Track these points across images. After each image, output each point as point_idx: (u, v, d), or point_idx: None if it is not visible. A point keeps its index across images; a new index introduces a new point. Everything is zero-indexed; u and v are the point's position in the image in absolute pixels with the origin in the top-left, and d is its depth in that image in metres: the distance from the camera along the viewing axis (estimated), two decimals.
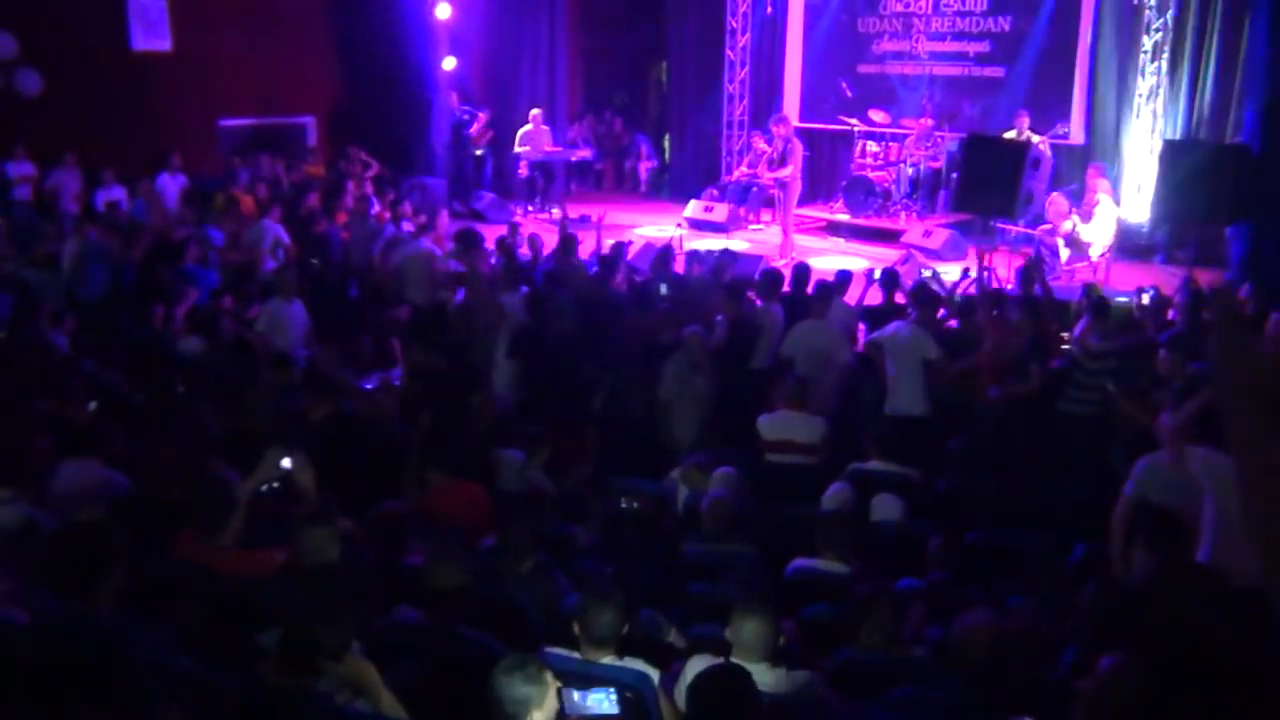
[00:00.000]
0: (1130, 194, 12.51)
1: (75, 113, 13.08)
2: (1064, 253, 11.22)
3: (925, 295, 7.93)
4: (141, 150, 13.42)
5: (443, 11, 15.51)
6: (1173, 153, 9.76)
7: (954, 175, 13.39)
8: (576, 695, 3.06)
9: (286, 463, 4.57)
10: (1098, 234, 11.20)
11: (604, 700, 3.08)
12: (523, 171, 15.44)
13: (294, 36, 15.32)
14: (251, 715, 2.87)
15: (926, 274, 9.90)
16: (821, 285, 8.26)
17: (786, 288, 8.59)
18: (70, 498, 4.77)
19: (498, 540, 4.60)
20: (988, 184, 10.06)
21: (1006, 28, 13.87)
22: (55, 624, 3.16)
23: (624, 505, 5.76)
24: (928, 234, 12.77)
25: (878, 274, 9.13)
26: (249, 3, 14.67)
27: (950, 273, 10.33)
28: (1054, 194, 11.75)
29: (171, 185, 13.06)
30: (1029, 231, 11.74)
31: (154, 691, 2.45)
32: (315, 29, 15.65)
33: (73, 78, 13.14)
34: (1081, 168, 12.53)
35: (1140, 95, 12.49)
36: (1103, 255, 11.35)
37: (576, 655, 3.52)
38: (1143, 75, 12.44)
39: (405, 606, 3.83)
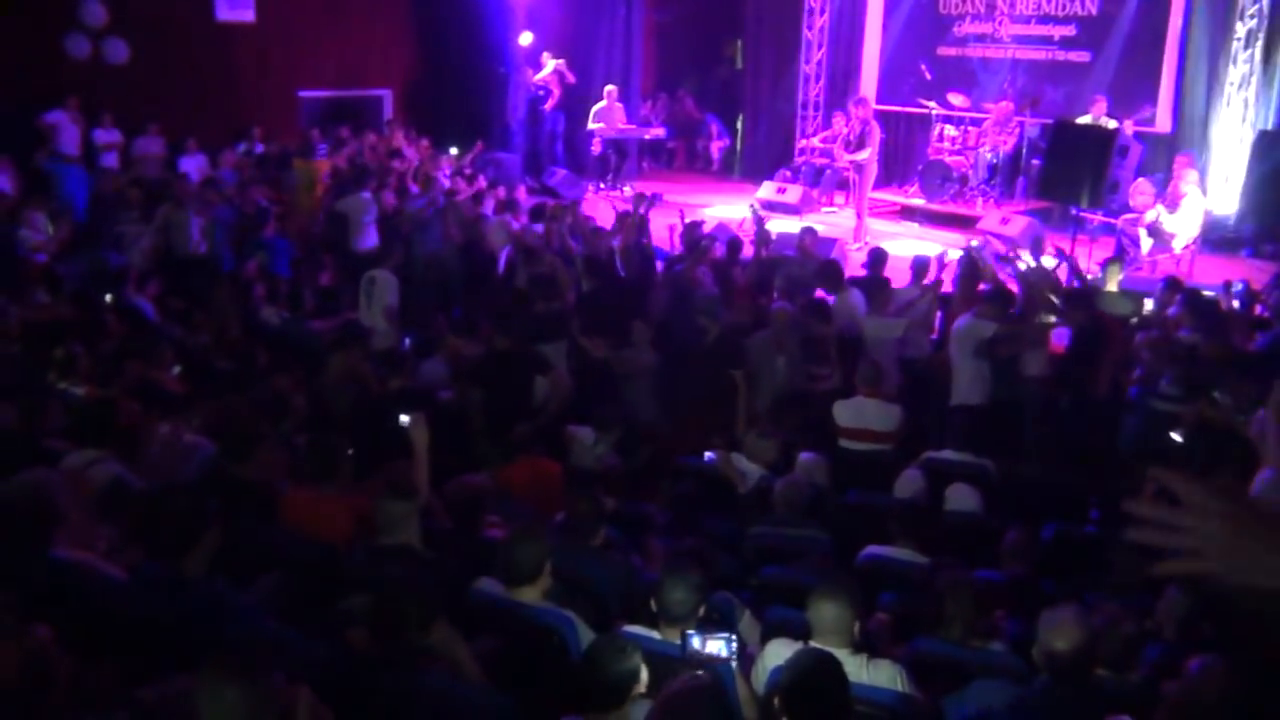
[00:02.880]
0: (1217, 184, 12.18)
1: (160, 81, 13.33)
2: (1146, 243, 10.98)
3: (994, 290, 7.80)
4: (223, 120, 13.67)
5: None
6: (1265, 143, 9.52)
7: (1034, 162, 13.18)
8: (695, 640, 3.19)
9: (405, 419, 4.65)
10: (1183, 225, 10.93)
11: (722, 646, 3.20)
12: (596, 148, 15.45)
13: (372, 9, 15.50)
14: (343, 682, 2.93)
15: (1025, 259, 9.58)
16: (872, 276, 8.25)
17: (862, 271, 8.53)
18: (158, 461, 4.90)
19: (568, 516, 4.63)
20: (1073, 171, 9.88)
21: (1094, 11, 13.55)
22: (154, 584, 3.25)
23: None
24: (1005, 221, 12.54)
25: (950, 256, 9.00)
26: None
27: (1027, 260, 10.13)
28: (1139, 180, 11.49)
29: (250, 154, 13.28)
30: (1111, 220, 11.50)
31: (256, 656, 2.50)
32: (393, 2, 15.79)
33: (158, 47, 13.39)
34: (1167, 156, 12.23)
35: (1231, 83, 12.15)
36: (1187, 247, 11.07)
37: (655, 634, 3.54)
38: (1235, 63, 12.10)
39: (486, 579, 3.87)
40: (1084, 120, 11.97)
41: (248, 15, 14.44)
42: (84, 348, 6.25)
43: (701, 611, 3.52)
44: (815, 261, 8.83)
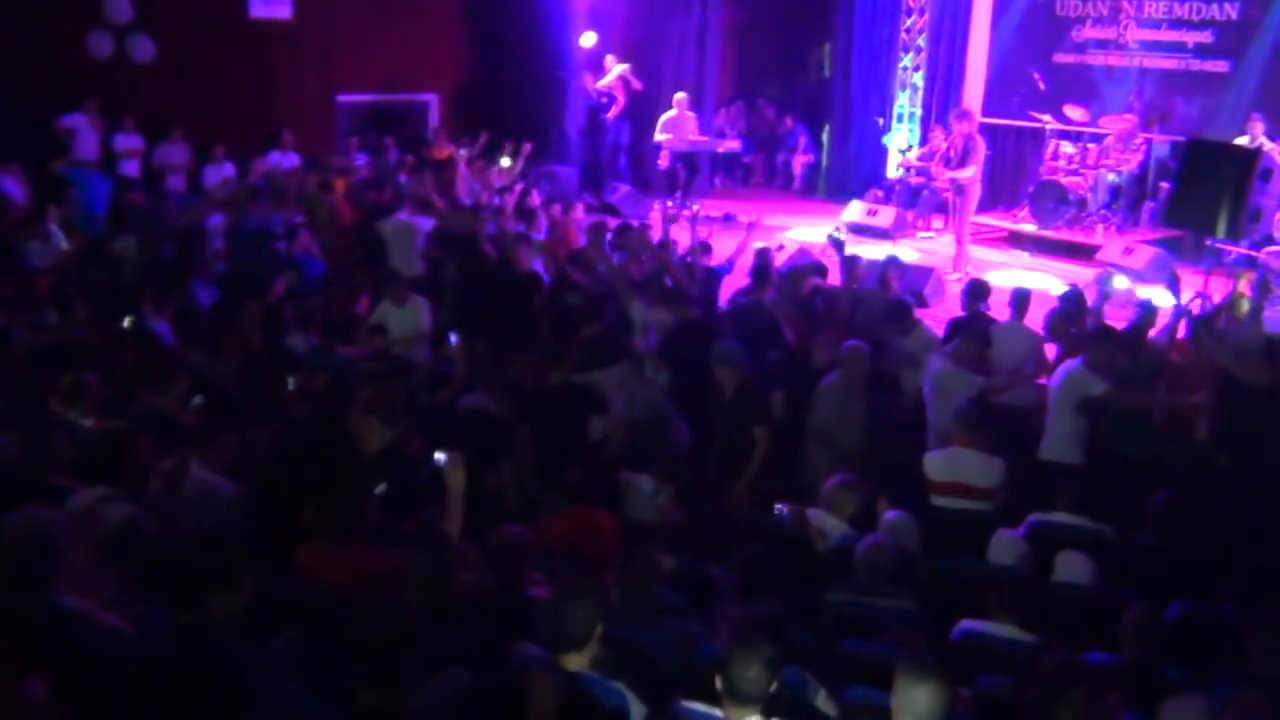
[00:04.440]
0: None
1: (187, 82, 13.69)
2: None
3: (1100, 332, 7.67)
4: (255, 125, 13.97)
5: None
6: None
7: (1163, 185, 13.01)
8: None
9: (441, 457, 4.70)
10: None
11: None
12: (663, 162, 15.54)
13: (420, 7, 15.78)
14: None
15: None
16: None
17: (961, 310, 8.49)
18: (172, 501, 4.99)
19: (622, 576, 4.63)
20: (1206, 195, 9.74)
21: (1234, 15, 13.40)
22: (162, 637, 3.30)
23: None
24: (1128, 251, 12.36)
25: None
26: None
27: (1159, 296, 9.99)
28: None
29: (283, 164, 13.56)
30: (1252, 254, 11.29)
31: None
32: (444, 1, 16.07)
33: (187, 45, 13.76)
34: None
35: None
36: None
37: (718, 713, 3.52)
38: None
39: (528, 644, 3.88)
40: (1240, 141, 11.80)
41: (284, 12, 14.79)
42: (95, 375, 6.38)
43: (773, 689, 3.49)
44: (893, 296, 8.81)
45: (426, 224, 10.55)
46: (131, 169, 13.21)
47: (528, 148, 13.75)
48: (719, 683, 3.49)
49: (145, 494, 5.05)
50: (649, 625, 4.31)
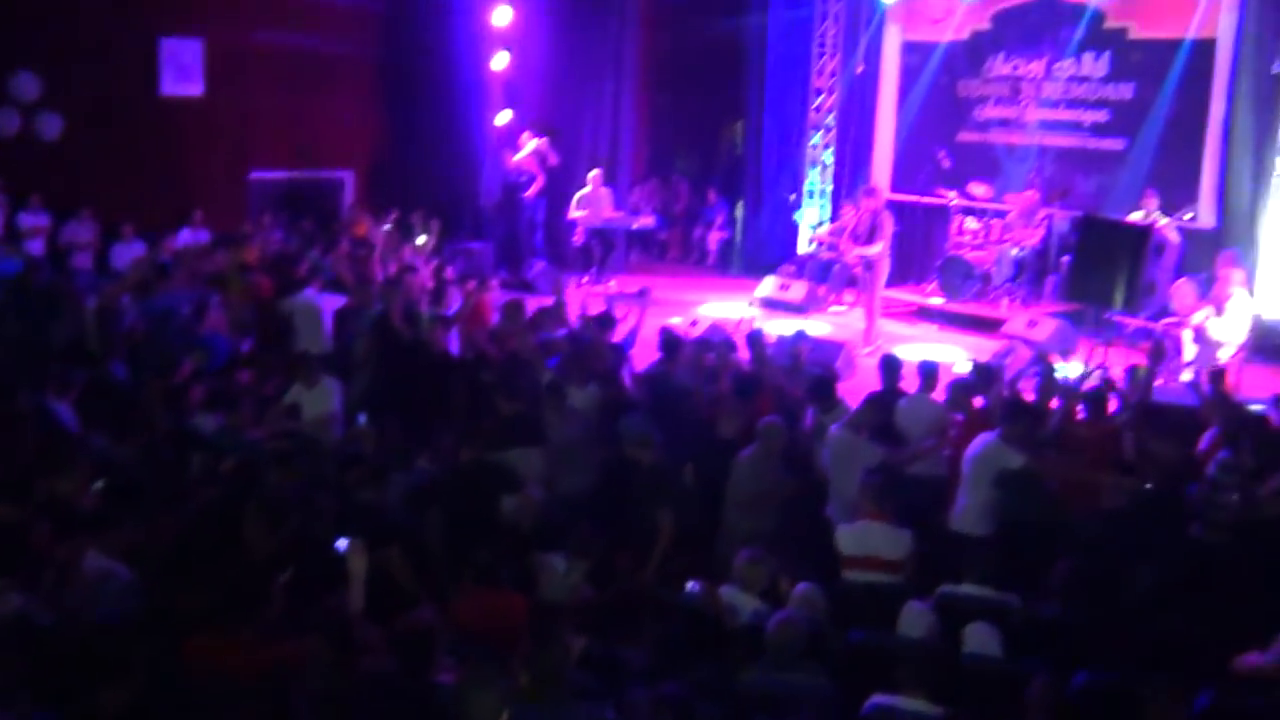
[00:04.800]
0: (1268, 286, 12.34)
1: (96, 160, 13.55)
2: (1190, 349, 11.08)
3: (1015, 405, 7.83)
4: (165, 202, 13.82)
5: (499, 62, 15.89)
6: None
7: (1064, 259, 13.37)
8: None
9: (342, 543, 4.64)
10: (1230, 330, 11.04)
11: None
12: (578, 238, 15.64)
13: (334, 84, 15.83)
14: None
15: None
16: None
17: (878, 384, 8.60)
18: (67, 591, 4.85)
19: (532, 659, 4.58)
20: (1103, 270, 10.06)
21: (1128, 96, 13.90)
22: None
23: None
24: (1033, 324, 12.67)
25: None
26: (288, 47, 15.12)
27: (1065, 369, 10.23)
28: (1180, 282, 11.64)
29: (194, 243, 13.40)
30: (1150, 325, 11.62)
31: None
32: (359, 77, 16.15)
33: (95, 122, 13.64)
34: (1211, 255, 12.39)
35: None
36: (1235, 355, 11.17)
37: None
38: None
39: None
40: (1135, 216, 12.19)
41: (196, 89, 14.71)
42: None
43: None
44: (808, 372, 8.91)
45: (335, 301, 10.45)
46: (37, 247, 12.97)
47: (435, 224, 13.79)
48: None
49: (40, 584, 4.92)
50: (559, 710, 4.27)
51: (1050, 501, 7.34)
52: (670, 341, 9.25)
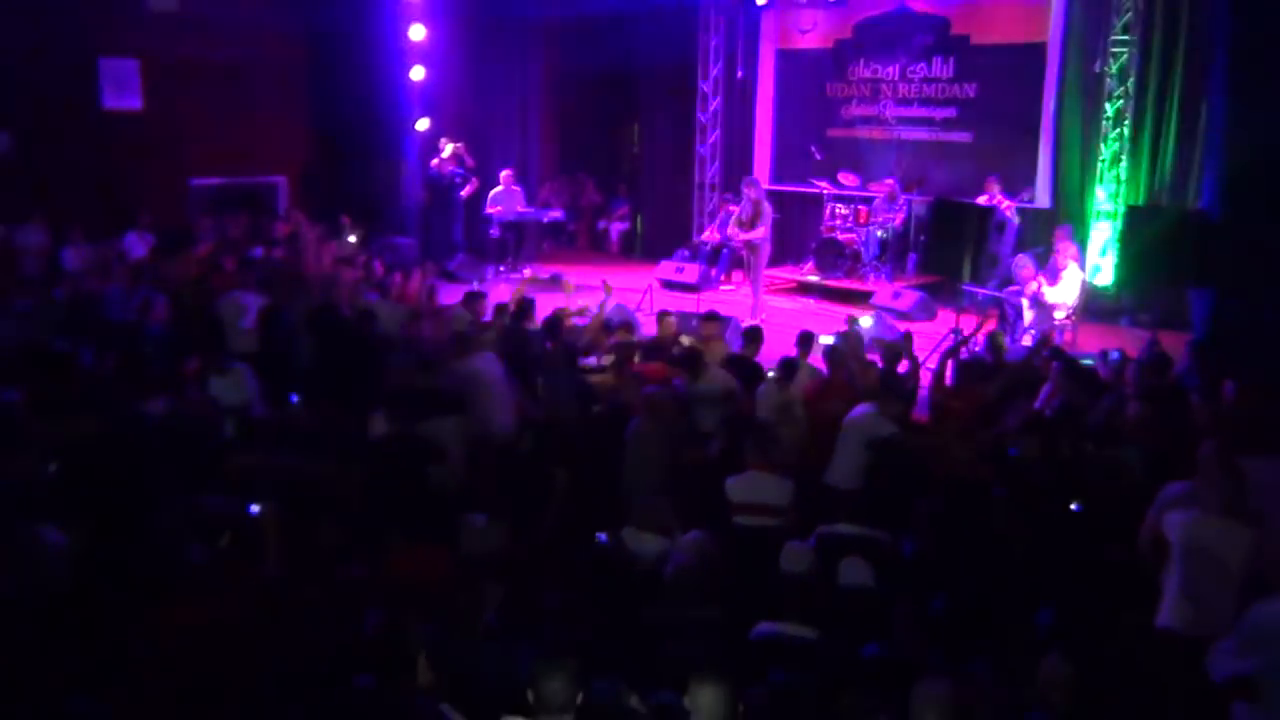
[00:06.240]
0: (1096, 257, 12.69)
1: (44, 171, 13.09)
2: (1028, 314, 11.34)
3: (890, 384, 7.93)
4: (109, 209, 13.41)
5: (416, 73, 15.67)
6: (1135, 219, 9.96)
7: (922, 238, 13.60)
8: None
9: (255, 509, 4.56)
10: (1063, 296, 11.32)
11: None
12: (494, 232, 15.49)
13: (265, 95, 15.44)
14: None
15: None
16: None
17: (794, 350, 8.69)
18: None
19: (455, 605, 4.55)
20: (954, 247, 10.22)
21: (972, 94, 14.15)
22: None
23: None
24: (897, 295, 12.89)
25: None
26: (220, 63, 14.74)
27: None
28: (1019, 256, 11.90)
29: (139, 244, 13.03)
30: (995, 294, 11.87)
31: None
32: (287, 89, 15.78)
33: (42, 136, 13.19)
34: (1048, 231, 12.70)
35: (1103, 160, 12.72)
36: (1068, 317, 11.47)
37: None
38: (1105, 141, 12.69)
39: (362, 675, 3.77)
40: (981, 200, 12.41)
41: (135, 103, 14.31)
42: None
43: (579, 700, 3.47)
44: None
45: (255, 301, 10.13)
46: None
47: (345, 220, 13.99)
48: (529, 697, 3.46)
49: None
50: (474, 650, 4.24)
51: (912, 462, 7.45)
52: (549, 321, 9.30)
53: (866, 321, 11.01)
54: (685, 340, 9.42)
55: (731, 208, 14.25)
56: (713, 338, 9.35)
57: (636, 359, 8.82)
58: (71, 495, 5.64)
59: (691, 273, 14.58)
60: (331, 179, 15.85)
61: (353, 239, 13.72)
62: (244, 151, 15.38)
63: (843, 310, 13.06)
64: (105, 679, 3.51)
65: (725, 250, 14.82)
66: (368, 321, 9.58)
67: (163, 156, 14.46)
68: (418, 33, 15.57)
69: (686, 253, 15.61)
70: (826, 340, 9.17)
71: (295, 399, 7.67)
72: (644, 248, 17.51)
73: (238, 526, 4.82)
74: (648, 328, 10.34)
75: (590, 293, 10.93)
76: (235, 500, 5.26)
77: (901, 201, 14.10)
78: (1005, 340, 9.17)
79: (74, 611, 3.27)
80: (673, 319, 9.93)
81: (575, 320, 9.82)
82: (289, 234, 13.87)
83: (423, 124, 15.90)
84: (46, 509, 5.24)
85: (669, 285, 14.48)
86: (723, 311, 12.09)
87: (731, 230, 13.63)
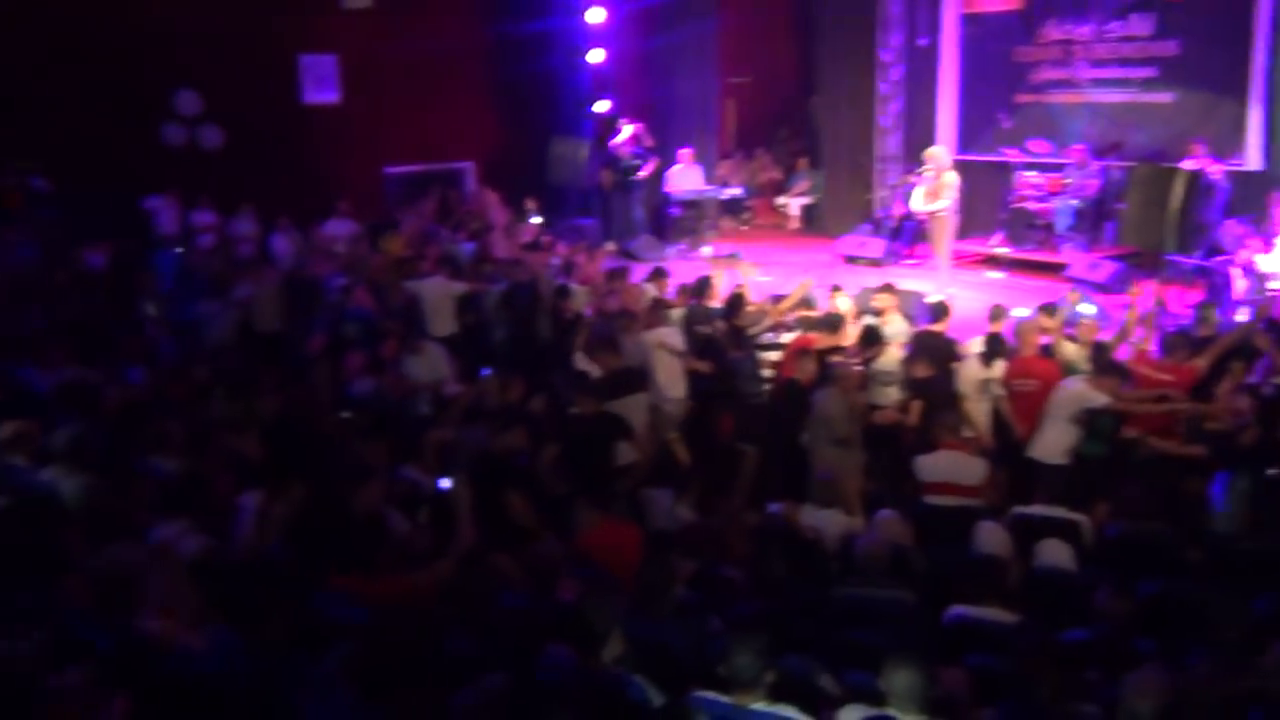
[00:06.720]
0: None
1: (251, 164, 13.85)
2: (1240, 284, 10.63)
3: (1103, 359, 7.53)
4: (312, 198, 14.11)
5: (596, 57, 15.85)
6: None
7: (1120, 206, 12.90)
8: None
9: (446, 483, 4.70)
10: (1278, 264, 10.56)
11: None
12: (674, 210, 15.55)
13: (454, 84, 15.92)
14: None
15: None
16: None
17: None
18: (247, 531, 5.00)
19: (643, 580, 4.59)
20: (1155, 215, 9.64)
21: (1173, 52, 13.29)
22: (229, 653, 3.30)
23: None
24: (1094, 267, 12.28)
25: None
26: (411, 55, 15.24)
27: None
28: (1229, 222, 11.17)
29: (341, 231, 13.65)
30: (1203, 263, 11.17)
31: None
32: (474, 78, 16.22)
33: (249, 131, 13.98)
34: (1261, 195, 11.86)
35: None
36: None
37: (726, 700, 3.48)
38: None
39: (557, 646, 3.85)
40: (1187, 165, 11.70)
41: (332, 97, 15.02)
42: (178, 423, 6.41)
43: (770, 677, 3.45)
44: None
45: (458, 288, 10.46)
46: (206, 241, 13.34)
47: (530, 203, 14.44)
48: (721, 672, 3.46)
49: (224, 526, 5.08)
50: (667, 624, 4.28)
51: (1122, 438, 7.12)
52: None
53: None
54: (864, 318, 9.23)
55: (915, 179, 13.86)
56: (888, 310, 9.12)
57: (814, 336, 8.73)
58: (280, 468, 5.98)
59: (875, 247, 14.26)
60: (517, 163, 16.21)
61: (537, 220, 14.01)
62: (435, 139, 15.91)
63: (1034, 283, 12.57)
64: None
65: (909, 223, 14.44)
66: (562, 299, 9.80)
67: (359, 146, 15.11)
68: (596, 15, 15.75)
69: (869, 226, 15.28)
70: (1020, 313, 8.82)
71: (486, 374, 7.88)
72: (824, 222, 17.22)
73: (435, 501, 5.00)
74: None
75: (771, 270, 10.84)
76: (431, 476, 5.47)
77: (1096, 168, 13.40)
78: (1215, 313, 8.61)
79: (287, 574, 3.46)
80: (849, 295, 9.74)
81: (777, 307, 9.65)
82: (477, 217, 14.33)
83: (601, 106, 16.06)
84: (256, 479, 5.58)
85: (852, 260, 14.22)
86: (908, 286, 11.86)
87: (915, 202, 13.28)
